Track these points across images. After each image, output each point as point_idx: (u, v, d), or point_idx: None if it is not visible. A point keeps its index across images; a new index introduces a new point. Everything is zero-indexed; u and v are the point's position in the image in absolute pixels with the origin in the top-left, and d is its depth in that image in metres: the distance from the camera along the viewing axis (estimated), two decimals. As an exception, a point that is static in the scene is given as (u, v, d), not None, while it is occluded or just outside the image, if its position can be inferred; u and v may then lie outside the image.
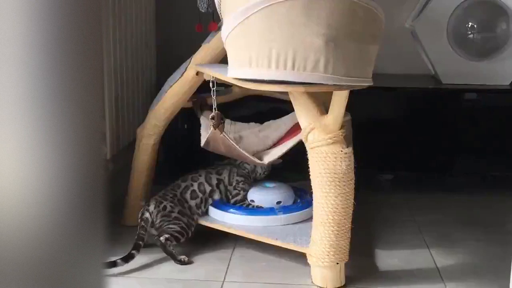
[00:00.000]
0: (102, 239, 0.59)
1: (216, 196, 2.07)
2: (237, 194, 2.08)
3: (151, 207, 1.98)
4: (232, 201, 2.08)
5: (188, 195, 2.04)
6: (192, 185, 2.06)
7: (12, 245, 0.50)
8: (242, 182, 2.09)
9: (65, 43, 0.52)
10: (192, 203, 2.03)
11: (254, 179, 2.15)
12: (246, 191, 2.09)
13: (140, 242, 1.89)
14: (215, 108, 1.93)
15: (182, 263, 1.90)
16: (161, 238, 1.92)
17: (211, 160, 2.20)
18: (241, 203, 2.07)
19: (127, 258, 1.83)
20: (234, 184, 2.09)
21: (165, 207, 1.98)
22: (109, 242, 0.62)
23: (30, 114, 0.50)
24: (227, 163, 2.16)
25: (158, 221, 1.96)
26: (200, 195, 2.05)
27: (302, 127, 1.76)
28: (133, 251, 1.86)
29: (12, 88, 0.49)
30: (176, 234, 1.94)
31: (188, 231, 1.98)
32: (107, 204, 0.59)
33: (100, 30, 0.57)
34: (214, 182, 2.08)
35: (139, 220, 1.96)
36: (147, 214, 1.96)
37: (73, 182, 0.55)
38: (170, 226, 1.95)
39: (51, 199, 0.53)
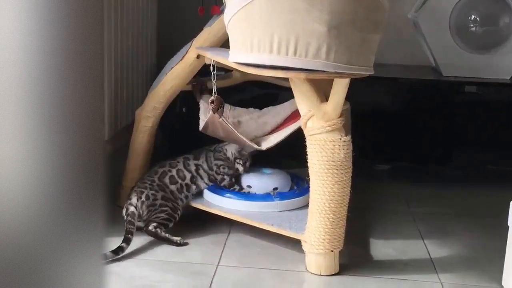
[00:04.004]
0: (101, 228, 0.59)
1: (201, 183, 2.06)
2: (223, 180, 2.07)
3: (134, 200, 1.94)
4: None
5: (167, 180, 2.01)
6: (170, 171, 2.03)
7: (11, 233, 0.50)
8: (222, 166, 2.07)
9: (65, 39, 0.51)
10: (173, 187, 2.01)
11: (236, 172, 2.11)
12: (229, 175, 2.08)
13: (130, 236, 1.84)
14: (214, 92, 1.92)
15: (179, 244, 1.90)
16: (150, 228, 1.91)
17: (209, 144, 2.20)
18: (232, 189, 2.06)
19: (117, 251, 1.79)
20: (215, 169, 2.07)
21: (148, 197, 1.95)
22: (105, 223, 0.62)
23: (30, 104, 0.50)
24: (204, 148, 2.13)
25: (145, 213, 1.94)
26: (180, 181, 2.03)
27: (301, 114, 1.76)
28: (123, 244, 1.81)
29: (12, 83, 0.49)
30: (165, 222, 1.94)
31: (175, 215, 1.97)
32: (104, 186, 0.59)
33: (101, 26, 0.57)
34: (193, 168, 2.06)
35: (125, 215, 1.91)
36: (132, 208, 1.92)
37: (72, 168, 0.55)
38: (157, 215, 1.94)
39: (50, 186, 0.53)
